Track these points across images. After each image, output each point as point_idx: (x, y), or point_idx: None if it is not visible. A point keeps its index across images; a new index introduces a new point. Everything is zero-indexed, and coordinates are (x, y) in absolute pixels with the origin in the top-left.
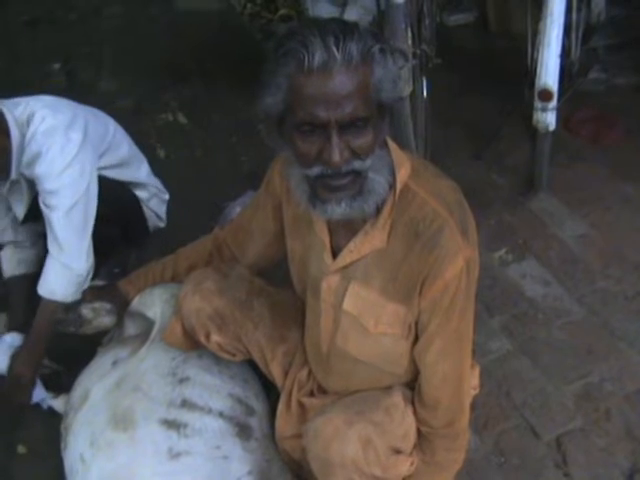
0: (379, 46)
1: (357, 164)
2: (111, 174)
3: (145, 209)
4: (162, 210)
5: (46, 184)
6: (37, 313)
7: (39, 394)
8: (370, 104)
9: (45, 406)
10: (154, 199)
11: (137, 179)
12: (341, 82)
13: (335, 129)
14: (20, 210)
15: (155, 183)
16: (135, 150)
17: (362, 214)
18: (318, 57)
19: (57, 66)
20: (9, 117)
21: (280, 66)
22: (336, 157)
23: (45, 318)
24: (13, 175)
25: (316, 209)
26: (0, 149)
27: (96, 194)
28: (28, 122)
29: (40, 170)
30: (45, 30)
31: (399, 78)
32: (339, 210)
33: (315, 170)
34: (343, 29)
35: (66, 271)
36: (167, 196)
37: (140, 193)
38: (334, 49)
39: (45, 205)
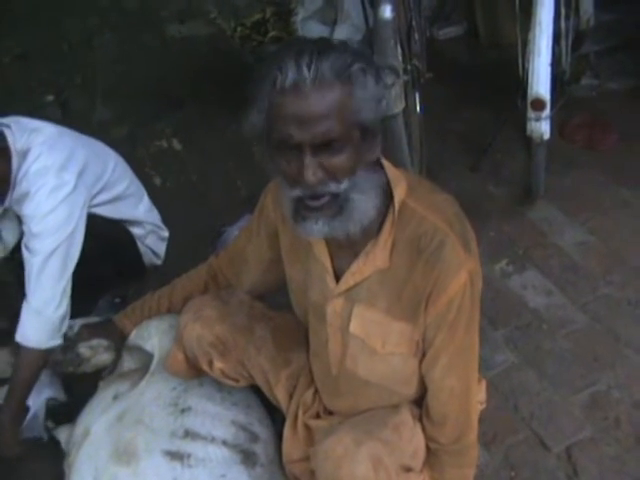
0: (360, 65)
1: (333, 186)
2: (104, 211)
3: (140, 246)
4: (160, 247)
5: (31, 225)
6: (16, 362)
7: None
8: (347, 125)
9: (45, 437)
10: (151, 236)
11: (132, 216)
12: (313, 102)
13: (308, 149)
14: (10, 239)
15: (154, 220)
16: (135, 187)
17: (346, 234)
18: (290, 77)
19: (51, 98)
20: (12, 145)
21: (260, 85)
22: (309, 177)
23: (23, 367)
24: (6, 204)
25: (298, 227)
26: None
27: (81, 240)
28: (24, 157)
29: (27, 211)
30: (37, 62)
31: (383, 97)
32: (317, 228)
33: (295, 192)
34: (320, 48)
35: (39, 317)
36: (166, 233)
37: (135, 230)
38: (305, 69)
39: (27, 248)
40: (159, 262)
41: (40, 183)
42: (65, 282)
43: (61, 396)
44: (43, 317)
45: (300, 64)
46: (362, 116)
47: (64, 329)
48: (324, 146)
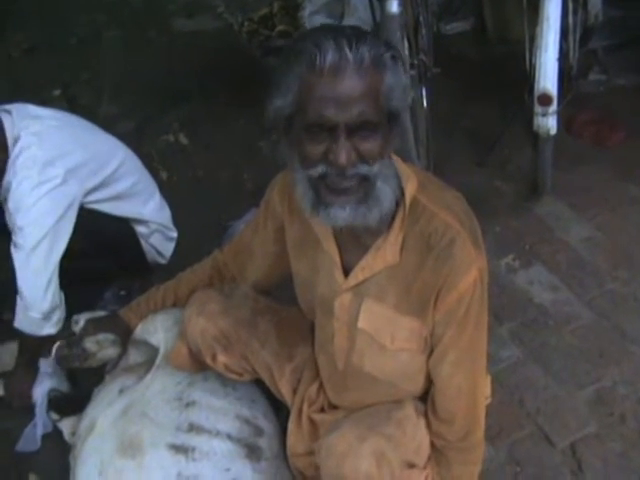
0: (391, 53)
1: (364, 168)
2: (105, 208)
3: (144, 243)
4: (165, 247)
5: (16, 219)
6: (19, 337)
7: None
8: (380, 110)
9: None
10: (156, 235)
11: (136, 214)
12: (352, 84)
13: (343, 131)
14: None
15: (162, 219)
16: (145, 185)
17: (365, 223)
18: (330, 57)
19: (58, 92)
20: (8, 128)
21: (292, 66)
22: (342, 158)
23: (27, 342)
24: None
25: (320, 215)
26: None
27: (68, 233)
28: (15, 143)
29: (10, 203)
30: (44, 57)
31: (409, 87)
32: (343, 215)
33: (319, 169)
34: (356, 33)
35: (27, 311)
36: (174, 234)
37: (139, 228)
38: (347, 50)
39: (13, 244)
40: (164, 262)
41: (22, 175)
42: (49, 275)
43: (64, 387)
44: (30, 311)
45: (341, 45)
46: (392, 103)
47: (56, 319)
48: (357, 129)
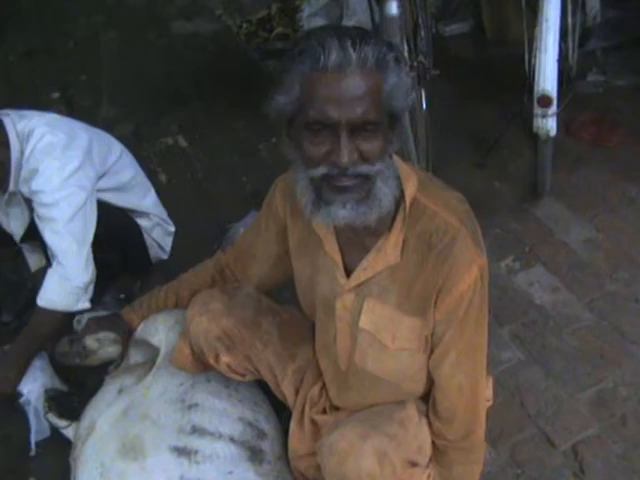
0: (394, 55)
1: (365, 168)
2: (110, 198)
3: (147, 237)
4: (166, 241)
5: (43, 198)
6: (33, 319)
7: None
8: (381, 111)
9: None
10: (157, 229)
11: (139, 207)
12: (355, 83)
13: (345, 130)
14: (18, 229)
15: (160, 214)
16: (141, 179)
17: (364, 223)
18: (334, 56)
19: (56, 95)
20: (10, 128)
21: (296, 64)
22: (344, 158)
23: (44, 324)
24: (11, 187)
25: (320, 213)
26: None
27: (95, 210)
28: (27, 138)
29: (36, 186)
30: (42, 59)
31: (412, 88)
32: (343, 213)
33: (321, 170)
34: (361, 34)
35: (65, 282)
36: (173, 228)
37: (142, 221)
38: (350, 50)
39: (42, 218)
40: (165, 256)
41: (47, 160)
42: (87, 249)
43: (57, 384)
44: (71, 283)
45: (345, 45)
46: (393, 104)
47: (90, 293)
48: (359, 129)
